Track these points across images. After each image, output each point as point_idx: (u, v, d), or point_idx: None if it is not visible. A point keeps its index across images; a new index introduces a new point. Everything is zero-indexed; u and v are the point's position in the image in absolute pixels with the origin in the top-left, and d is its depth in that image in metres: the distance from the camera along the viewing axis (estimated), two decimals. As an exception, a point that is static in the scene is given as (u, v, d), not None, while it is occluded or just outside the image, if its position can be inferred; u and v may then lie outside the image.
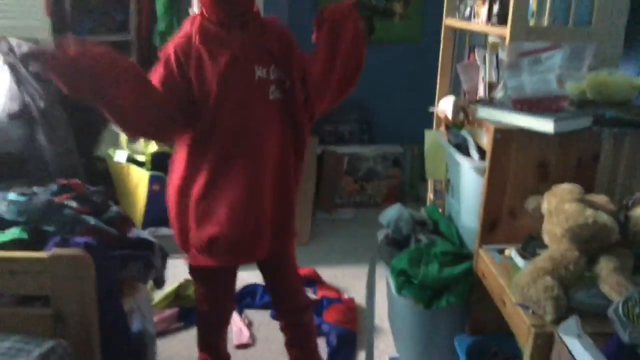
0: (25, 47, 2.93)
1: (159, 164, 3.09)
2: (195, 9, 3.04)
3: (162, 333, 2.35)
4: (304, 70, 1.75)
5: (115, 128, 3.29)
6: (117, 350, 1.66)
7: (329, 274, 2.92)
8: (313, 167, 3.59)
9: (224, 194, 1.70)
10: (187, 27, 1.70)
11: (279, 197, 1.77)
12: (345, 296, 2.70)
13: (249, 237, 1.73)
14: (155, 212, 3.05)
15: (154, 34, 3.37)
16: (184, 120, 1.67)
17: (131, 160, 3.16)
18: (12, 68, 2.88)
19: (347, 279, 2.89)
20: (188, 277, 2.63)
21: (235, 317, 2.43)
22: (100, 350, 1.58)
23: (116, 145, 3.26)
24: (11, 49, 2.92)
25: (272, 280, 1.95)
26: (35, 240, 1.65)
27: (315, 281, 2.79)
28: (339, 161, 3.84)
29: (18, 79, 2.87)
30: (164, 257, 2.01)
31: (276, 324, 2.46)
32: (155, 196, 3.03)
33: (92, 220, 1.74)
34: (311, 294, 2.59)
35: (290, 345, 2.00)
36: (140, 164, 3.12)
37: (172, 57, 1.65)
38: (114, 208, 1.92)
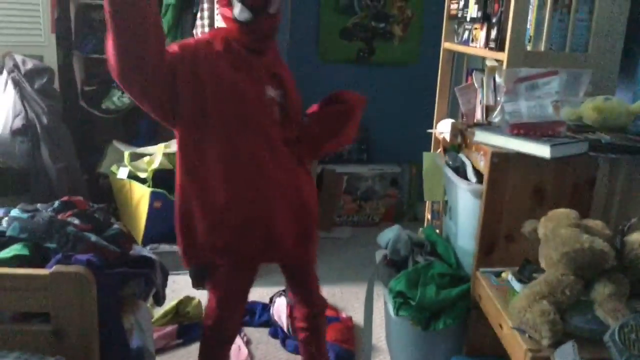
0: (30, 64, 2.97)
1: (160, 181, 3.12)
2: (198, 31, 3.09)
3: (161, 350, 2.35)
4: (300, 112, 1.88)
5: (117, 144, 3.35)
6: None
7: (327, 292, 2.90)
8: (313, 186, 3.62)
9: (231, 203, 1.72)
10: (210, 35, 1.77)
11: (297, 207, 1.81)
12: (343, 315, 2.70)
13: (260, 247, 1.76)
14: (156, 229, 3.07)
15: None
16: (167, 98, 1.65)
17: (133, 177, 3.18)
18: (17, 84, 2.92)
19: (345, 298, 2.90)
20: (188, 294, 2.67)
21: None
22: (100, 364, 1.58)
23: (119, 162, 3.29)
24: (16, 65, 2.96)
25: (294, 282, 2.01)
26: (37, 257, 1.66)
27: (313, 300, 2.79)
28: (338, 180, 3.86)
29: (23, 96, 2.91)
30: (165, 275, 2.02)
31: (275, 342, 2.48)
32: (156, 213, 3.05)
33: (93, 238, 1.76)
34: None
35: (304, 344, 2.04)
36: (142, 181, 3.15)
37: (192, 46, 1.68)
38: (116, 225, 1.94)
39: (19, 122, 2.88)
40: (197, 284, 2.92)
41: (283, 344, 2.47)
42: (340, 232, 3.78)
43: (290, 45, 3.77)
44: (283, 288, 2.67)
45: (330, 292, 2.93)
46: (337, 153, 3.99)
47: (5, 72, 2.95)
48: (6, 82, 2.93)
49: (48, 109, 2.93)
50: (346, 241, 3.68)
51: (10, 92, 2.90)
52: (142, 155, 3.29)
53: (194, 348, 2.41)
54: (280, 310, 2.54)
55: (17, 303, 1.53)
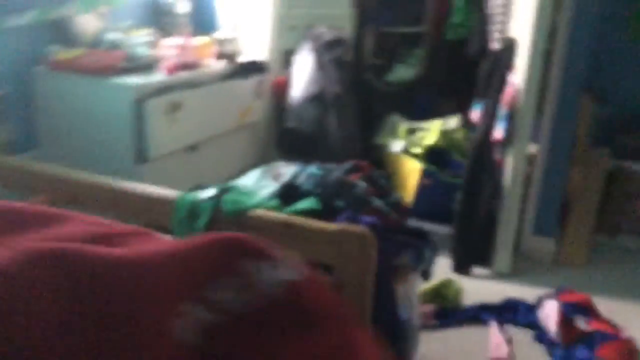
0: (329, 35, 3.18)
1: (433, 158, 3.09)
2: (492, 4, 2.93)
3: (421, 327, 2.33)
4: None
5: (394, 117, 3.42)
6: (383, 331, 1.69)
7: (606, 306, 2.56)
8: (598, 183, 3.20)
9: None
10: None
11: None
12: (624, 334, 2.33)
13: None
14: (422, 206, 3.06)
15: (448, 27, 3.38)
16: None
17: (406, 151, 3.22)
18: (317, 53, 3.16)
19: (627, 316, 2.51)
20: (449, 276, 2.61)
21: (494, 330, 2.30)
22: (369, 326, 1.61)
23: (394, 135, 3.36)
24: (318, 36, 3.20)
25: None
26: (326, 212, 1.75)
27: (588, 310, 2.47)
28: (630, 180, 3.34)
29: (320, 64, 3.13)
30: (434, 251, 1.99)
31: (539, 348, 2.26)
32: (424, 190, 3.04)
33: (377, 202, 1.79)
34: (583, 324, 2.31)
35: None
36: (414, 156, 3.16)
37: None
38: (396, 194, 1.96)
39: (313, 89, 3.12)
40: (461, 268, 2.86)
41: (549, 352, 2.24)
42: (626, 241, 3.28)
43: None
44: (553, 290, 2.43)
45: (609, 306, 2.56)
46: (638, 149, 3.45)
47: (308, 41, 3.21)
48: (308, 51, 3.19)
49: (340, 79, 3.12)
50: (633, 252, 3.19)
51: (310, 61, 3.15)
52: (417, 130, 3.30)
53: (450, 333, 2.35)
54: (549, 315, 2.30)
55: (306, 252, 1.63)
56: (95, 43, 2.65)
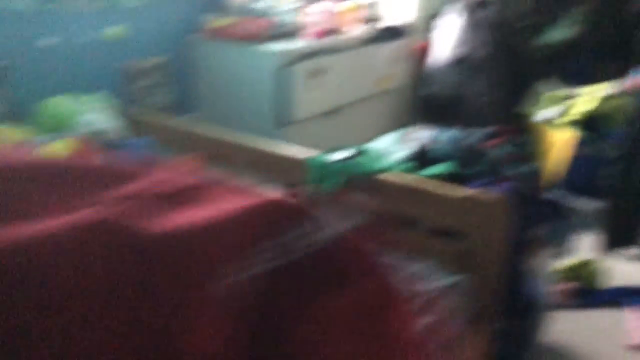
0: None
1: (587, 127, 2.87)
2: None
3: (555, 305, 2.23)
4: None
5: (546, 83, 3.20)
6: (508, 303, 1.65)
7: None
8: None
9: None
10: None
11: None
12: None
13: None
14: (573, 178, 2.86)
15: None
16: None
17: (556, 119, 3.01)
18: (466, 13, 3.04)
19: None
20: (597, 255, 2.43)
21: (635, 314, 2.13)
22: (494, 297, 1.59)
23: (543, 101, 3.15)
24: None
25: None
26: (461, 178, 1.73)
27: None
28: None
29: (469, 26, 3.01)
30: (572, 228, 1.88)
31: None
32: (578, 162, 2.84)
33: (511, 171, 1.73)
34: None
35: None
36: (566, 125, 2.95)
37: None
38: (534, 163, 1.87)
39: (460, 52, 3.02)
40: (611, 247, 2.65)
41: None
42: None
43: None
44: None
45: None
46: None
47: (457, 2, 3.10)
48: (456, 11, 3.08)
49: (489, 41, 2.98)
50: None
51: (458, 22, 3.04)
52: (569, 97, 3.06)
53: (588, 314, 2.22)
54: None
55: (435, 217, 1.63)
56: (246, 11, 2.82)
